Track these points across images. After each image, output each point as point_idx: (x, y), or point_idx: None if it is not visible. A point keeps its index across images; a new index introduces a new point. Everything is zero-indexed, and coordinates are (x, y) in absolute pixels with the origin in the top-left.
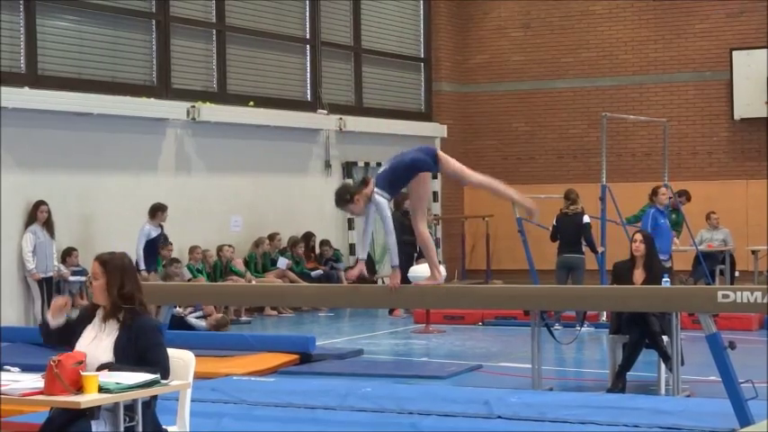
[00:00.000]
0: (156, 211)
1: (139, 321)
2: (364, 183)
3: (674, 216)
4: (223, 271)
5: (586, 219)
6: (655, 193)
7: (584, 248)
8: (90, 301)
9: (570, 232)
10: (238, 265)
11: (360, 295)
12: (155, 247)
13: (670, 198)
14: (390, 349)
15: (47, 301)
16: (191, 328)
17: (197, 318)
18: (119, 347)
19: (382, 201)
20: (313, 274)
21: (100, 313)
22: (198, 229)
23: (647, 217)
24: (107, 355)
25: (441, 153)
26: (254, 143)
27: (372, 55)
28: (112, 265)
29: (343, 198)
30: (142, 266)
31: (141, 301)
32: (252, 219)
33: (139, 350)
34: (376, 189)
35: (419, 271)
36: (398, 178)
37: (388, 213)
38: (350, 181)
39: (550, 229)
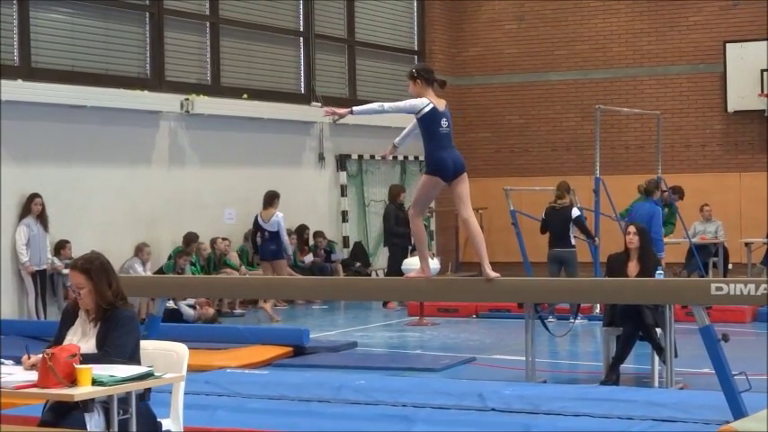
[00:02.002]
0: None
1: (116, 314)
2: (428, 80)
3: (666, 210)
4: (217, 264)
5: (575, 212)
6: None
7: (575, 241)
8: (72, 300)
9: (558, 226)
10: (233, 258)
11: (354, 288)
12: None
13: (663, 192)
14: (384, 342)
15: (40, 294)
16: (180, 315)
17: (188, 305)
18: (100, 343)
19: (419, 103)
20: (305, 259)
21: (83, 313)
22: (191, 222)
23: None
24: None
25: (465, 173)
26: (248, 136)
27: (366, 48)
28: (95, 269)
29: (414, 69)
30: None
31: (123, 297)
32: (245, 211)
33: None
34: (426, 108)
35: (413, 263)
36: (427, 142)
37: (397, 106)
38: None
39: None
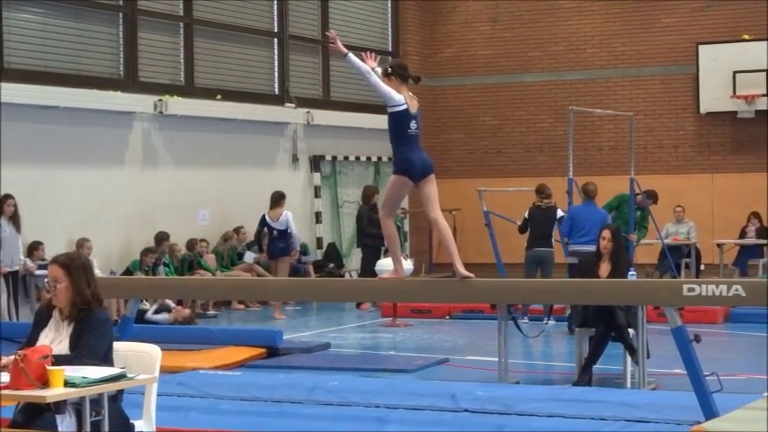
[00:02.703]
0: None
1: (91, 315)
2: (402, 77)
3: (638, 214)
4: (191, 265)
5: (560, 212)
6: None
7: (554, 242)
8: (45, 302)
9: (543, 226)
10: (210, 260)
11: (327, 289)
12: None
13: (637, 195)
14: (357, 343)
15: (12, 295)
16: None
17: (155, 313)
18: (73, 344)
19: (397, 99)
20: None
21: (56, 314)
22: (165, 223)
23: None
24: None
25: (433, 174)
26: (222, 137)
27: None
28: (75, 266)
29: (388, 66)
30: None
31: (100, 299)
32: (219, 212)
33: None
34: (396, 98)
35: (386, 264)
36: (395, 141)
37: (378, 84)
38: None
39: (520, 221)
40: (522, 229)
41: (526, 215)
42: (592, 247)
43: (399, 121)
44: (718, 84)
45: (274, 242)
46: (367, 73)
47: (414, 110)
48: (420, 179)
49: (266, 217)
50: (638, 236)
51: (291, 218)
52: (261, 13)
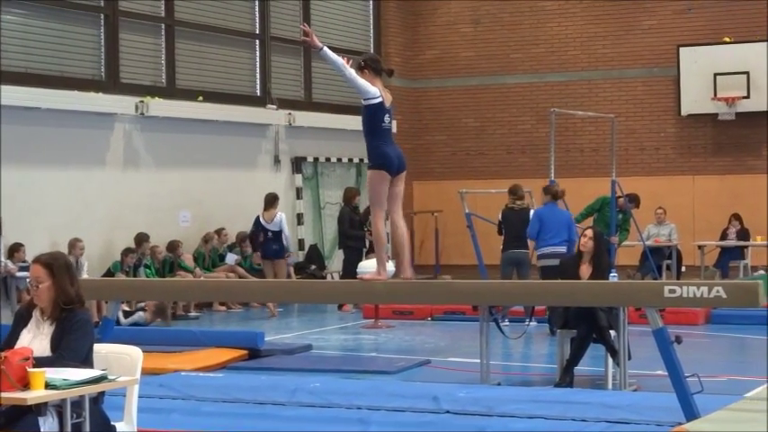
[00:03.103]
0: None
1: (72, 316)
2: (376, 70)
3: (620, 216)
4: (172, 267)
5: (533, 213)
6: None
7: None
8: (25, 303)
9: (516, 227)
10: (188, 260)
11: (308, 291)
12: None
13: (619, 197)
14: (339, 344)
15: None
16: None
17: (127, 316)
18: (54, 344)
19: (372, 91)
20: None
21: (37, 314)
22: (146, 225)
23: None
24: (46, 355)
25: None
26: (203, 138)
27: None
28: (58, 265)
29: (362, 59)
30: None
31: (82, 300)
32: (200, 214)
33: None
34: (375, 100)
35: (368, 266)
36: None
37: (353, 76)
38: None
39: (497, 224)
40: (499, 232)
41: (500, 217)
42: (561, 249)
43: (374, 113)
44: (699, 86)
45: (268, 243)
46: (342, 66)
47: (388, 103)
48: (395, 174)
49: (260, 218)
50: (620, 238)
51: (285, 219)
52: (242, 14)
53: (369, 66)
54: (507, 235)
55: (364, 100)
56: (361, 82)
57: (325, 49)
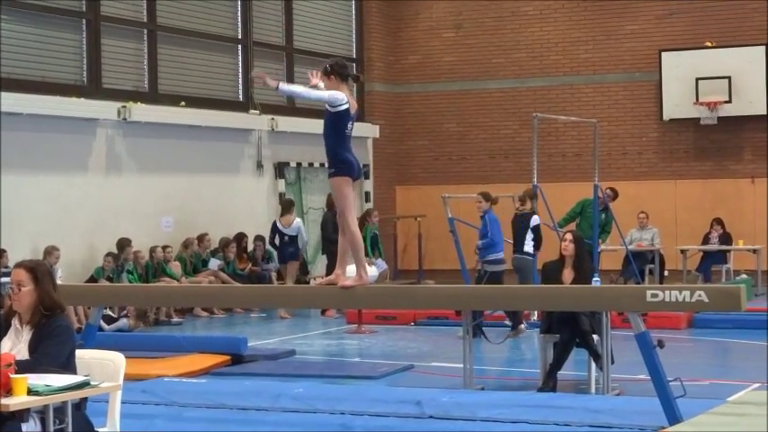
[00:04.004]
0: None
1: (51, 322)
2: (342, 76)
3: (603, 216)
4: (155, 272)
5: (536, 220)
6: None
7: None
8: (5, 311)
9: (516, 232)
10: (175, 267)
11: (291, 296)
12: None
13: (600, 195)
14: (323, 350)
15: None
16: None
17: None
18: (31, 349)
19: (340, 97)
20: (243, 271)
21: (16, 322)
22: (128, 230)
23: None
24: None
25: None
26: (186, 143)
27: (304, 55)
28: (42, 271)
29: (328, 64)
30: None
31: (62, 306)
32: (183, 219)
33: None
34: (342, 107)
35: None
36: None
37: (319, 95)
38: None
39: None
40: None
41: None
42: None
43: (341, 120)
44: (681, 90)
45: (285, 247)
46: (304, 93)
47: (353, 110)
48: (355, 180)
49: (277, 223)
50: (601, 239)
51: (302, 224)
52: (225, 19)
53: (335, 71)
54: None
55: (333, 107)
56: (328, 93)
57: (281, 84)
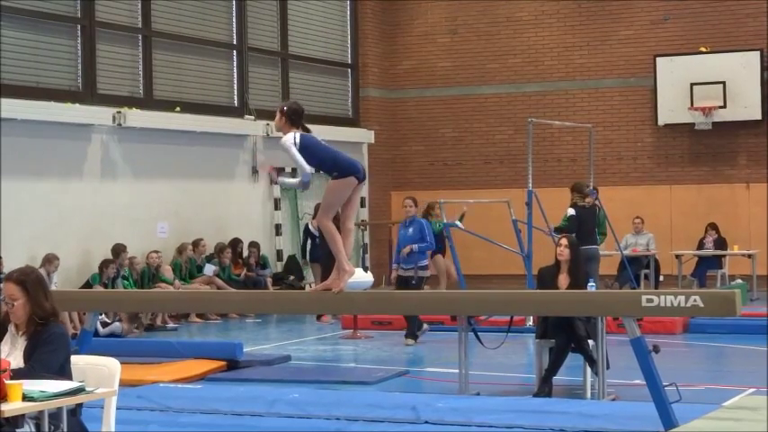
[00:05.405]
0: None
1: (46, 329)
2: (293, 121)
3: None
4: (151, 278)
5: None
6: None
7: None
8: (2, 316)
9: (588, 224)
10: (167, 272)
11: (286, 301)
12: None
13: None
14: (318, 355)
15: None
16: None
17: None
18: (26, 357)
19: (286, 141)
20: (239, 277)
21: (12, 328)
22: (124, 236)
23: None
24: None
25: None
26: (181, 149)
27: (299, 61)
28: (31, 281)
29: (285, 106)
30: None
31: (56, 313)
32: (178, 225)
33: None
34: (296, 137)
35: (356, 277)
36: (323, 163)
37: (294, 152)
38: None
39: (567, 222)
40: (570, 231)
41: (572, 213)
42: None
43: (308, 141)
44: (676, 96)
45: (316, 248)
46: (299, 179)
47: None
48: (362, 180)
49: (309, 226)
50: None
51: None
52: (220, 25)
53: (288, 115)
54: (579, 233)
55: (297, 146)
56: (297, 158)
57: (279, 179)
